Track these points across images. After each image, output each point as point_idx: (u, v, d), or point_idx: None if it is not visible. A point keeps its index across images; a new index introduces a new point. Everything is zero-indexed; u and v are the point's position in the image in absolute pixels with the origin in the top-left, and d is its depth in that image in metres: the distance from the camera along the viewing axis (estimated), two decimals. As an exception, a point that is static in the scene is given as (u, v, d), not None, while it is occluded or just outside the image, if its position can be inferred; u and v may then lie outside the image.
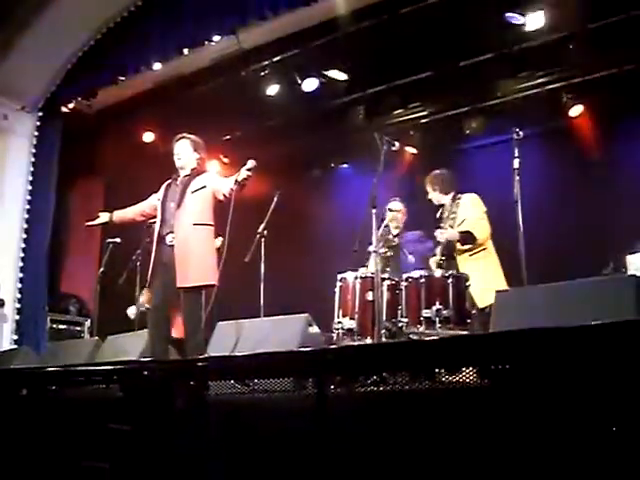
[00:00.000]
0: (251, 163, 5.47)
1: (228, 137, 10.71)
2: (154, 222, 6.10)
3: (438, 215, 6.82)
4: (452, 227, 6.55)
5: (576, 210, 8.08)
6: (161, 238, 5.76)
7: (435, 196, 6.93)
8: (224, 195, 5.65)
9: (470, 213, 6.57)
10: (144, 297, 8.19)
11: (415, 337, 6.02)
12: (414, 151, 9.77)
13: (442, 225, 6.68)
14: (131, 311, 8.38)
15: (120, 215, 6.32)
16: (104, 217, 6.32)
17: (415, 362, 3.20)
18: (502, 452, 2.78)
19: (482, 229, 6.48)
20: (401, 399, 3.33)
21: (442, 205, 6.84)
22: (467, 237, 6.41)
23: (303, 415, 3.53)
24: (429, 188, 6.98)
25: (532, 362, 2.72)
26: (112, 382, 4.52)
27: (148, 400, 4.10)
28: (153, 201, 6.09)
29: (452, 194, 6.81)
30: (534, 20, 7.70)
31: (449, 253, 6.53)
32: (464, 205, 6.68)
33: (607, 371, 2.56)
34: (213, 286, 5.63)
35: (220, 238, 7.11)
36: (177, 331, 6.12)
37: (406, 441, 3.09)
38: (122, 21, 8.47)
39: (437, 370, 3.35)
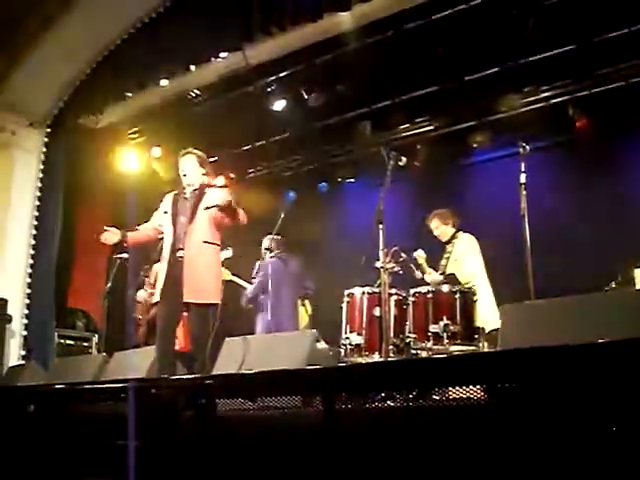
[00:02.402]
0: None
1: (235, 152, 10.73)
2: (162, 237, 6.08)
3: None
4: (446, 265, 6.96)
5: (583, 224, 8.04)
6: (173, 253, 5.73)
7: (447, 230, 7.10)
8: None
9: (461, 255, 6.93)
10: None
11: (423, 353, 6.03)
12: (421, 165, 9.77)
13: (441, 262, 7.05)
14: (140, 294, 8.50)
15: (134, 237, 6.08)
16: (115, 236, 5.98)
17: (423, 380, 3.20)
18: (509, 471, 2.77)
19: (464, 274, 6.77)
20: (409, 415, 3.33)
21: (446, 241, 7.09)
22: (451, 279, 6.72)
23: (312, 432, 3.53)
24: (439, 223, 7.14)
25: (540, 381, 2.71)
26: (120, 400, 4.51)
27: (156, 417, 4.10)
28: (160, 218, 6.03)
29: (454, 231, 7.12)
30: (538, 34, 7.72)
31: None
32: (458, 245, 7.03)
33: (617, 391, 2.55)
34: (217, 305, 5.65)
35: (230, 250, 7.18)
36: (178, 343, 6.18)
37: (414, 457, 3.09)
38: (129, 38, 8.51)
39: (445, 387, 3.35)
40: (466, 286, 6.53)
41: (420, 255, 7.35)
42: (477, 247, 7.06)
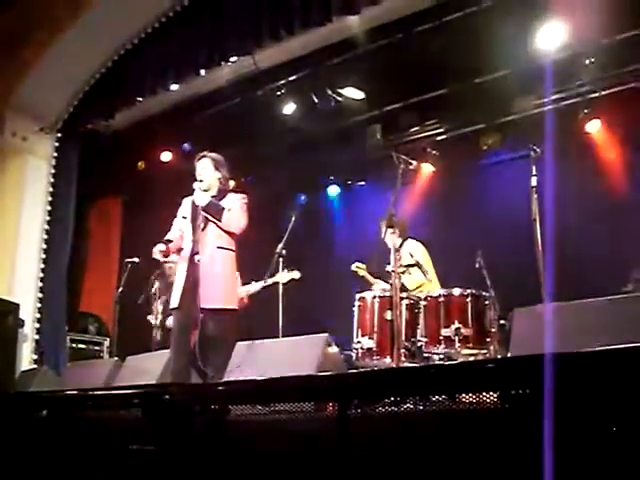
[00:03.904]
0: None
1: (245, 155, 10.75)
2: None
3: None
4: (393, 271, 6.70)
5: (595, 226, 8.02)
6: (192, 258, 5.71)
7: (393, 238, 7.04)
8: None
9: (405, 258, 6.79)
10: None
11: (435, 357, 6.03)
12: (431, 168, 9.76)
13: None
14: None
15: (172, 250, 5.91)
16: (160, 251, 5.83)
17: (436, 387, 3.20)
18: (519, 476, 2.76)
19: (412, 281, 6.79)
20: (421, 420, 3.33)
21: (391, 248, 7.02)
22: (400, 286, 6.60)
23: (324, 436, 3.53)
24: (389, 230, 7.06)
25: (553, 387, 2.70)
26: (133, 406, 4.53)
27: (169, 423, 4.10)
28: (180, 223, 6.01)
29: (401, 240, 6.93)
30: (550, 36, 7.71)
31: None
32: (405, 253, 6.88)
33: (631, 399, 2.54)
34: (235, 310, 5.65)
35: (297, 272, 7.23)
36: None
37: (426, 461, 3.09)
38: (139, 43, 8.54)
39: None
40: (415, 292, 6.57)
41: (359, 267, 7.38)
42: (423, 252, 7.06)
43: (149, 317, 8.63)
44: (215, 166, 5.94)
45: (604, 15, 7.24)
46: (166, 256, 5.84)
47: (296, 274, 7.45)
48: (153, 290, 8.54)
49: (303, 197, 10.87)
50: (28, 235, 9.37)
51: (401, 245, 7.08)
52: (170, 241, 5.87)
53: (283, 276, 7.38)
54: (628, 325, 3.49)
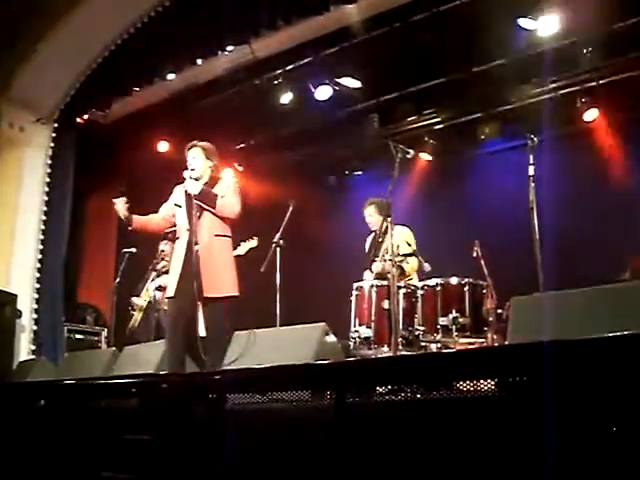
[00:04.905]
0: None
1: (242, 145, 10.74)
2: (173, 231, 6.04)
3: (370, 240, 6.88)
4: (384, 256, 6.63)
5: (592, 215, 8.02)
6: (189, 247, 5.68)
7: (375, 220, 7.01)
8: None
9: (402, 247, 6.66)
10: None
11: (432, 345, 6.04)
12: (429, 158, 9.75)
13: (377, 254, 6.83)
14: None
15: (140, 222, 5.96)
16: (122, 205, 5.85)
17: (433, 375, 3.20)
18: (517, 463, 2.77)
19: (411, 265, 6.70)
20: (418, 408, 3.33)
21: (374, 231, 6.96)
22: (398, 268, 6.46)
23: (322, 425, 3.54)
24: (374, 212, 7.05)
25: (551, 374, 2.71)
26: (130, 395, 4.53)
27: (166, 412, 4.11)
28: (169, 211, 5.99)
29: (387, 222, 6.83)
30: (547, 25, 7.70)
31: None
32: (402, 240, 6.71)
33: (628, 386, 2.55)
34: (235, 297, 5.65)
35: (255, 240, 7.25)
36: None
37: (423, 449, 3.09)
38: (136, 33, 8.50)
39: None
40: (408, 279, 6.56)
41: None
42: (413, 239, 7.03)
43: (133, 298, 8.66)
44: (206, 155, 5.90)
45: (602, 3, 7.26)
46: (128, 219, 5.84)
47: (253, 242, 7.43)
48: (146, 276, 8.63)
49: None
50: (25, 226, 9.36)
51: (388, 229, 7.02)
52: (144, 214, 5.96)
53: (242, 248, 7.36)
54: (625, 313, 3.49)
